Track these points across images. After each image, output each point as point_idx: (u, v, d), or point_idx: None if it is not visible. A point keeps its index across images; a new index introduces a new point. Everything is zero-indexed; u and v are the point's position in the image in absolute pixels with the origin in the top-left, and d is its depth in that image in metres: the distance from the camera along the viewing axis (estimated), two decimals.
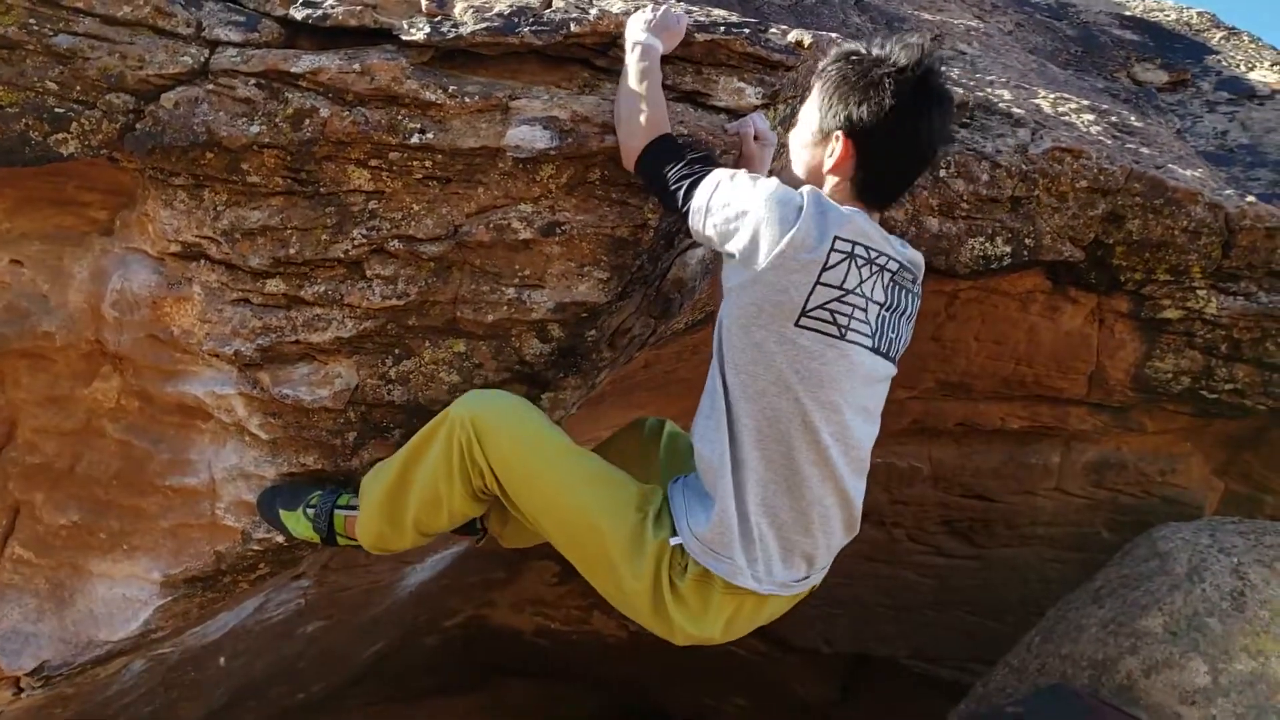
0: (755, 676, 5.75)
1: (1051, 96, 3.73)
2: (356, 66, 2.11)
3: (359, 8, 2.18)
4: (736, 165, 2.27)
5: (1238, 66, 4.95)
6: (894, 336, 2.00)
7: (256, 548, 2.49)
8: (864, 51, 1.97)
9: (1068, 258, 3.36)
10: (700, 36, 2.29)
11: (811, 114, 2.05)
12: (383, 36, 2.19)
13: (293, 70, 2.11)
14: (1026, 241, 3.33)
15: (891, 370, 2.05)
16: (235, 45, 2.15)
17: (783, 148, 2.50)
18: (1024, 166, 3.23)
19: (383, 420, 2.36)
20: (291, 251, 2.20)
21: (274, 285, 2.24)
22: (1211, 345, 3.63)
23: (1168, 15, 5.50)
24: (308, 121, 2.12)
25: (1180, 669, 3.08)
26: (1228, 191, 3.45)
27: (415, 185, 2.20)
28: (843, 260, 1.84)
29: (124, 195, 2.27)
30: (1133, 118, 3.90)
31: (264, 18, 2.19)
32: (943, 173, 3.16)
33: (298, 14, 2.17)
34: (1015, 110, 3.44)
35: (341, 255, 2.21)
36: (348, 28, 2.17)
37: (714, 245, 1.98)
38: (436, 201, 2.21)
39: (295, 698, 4.81)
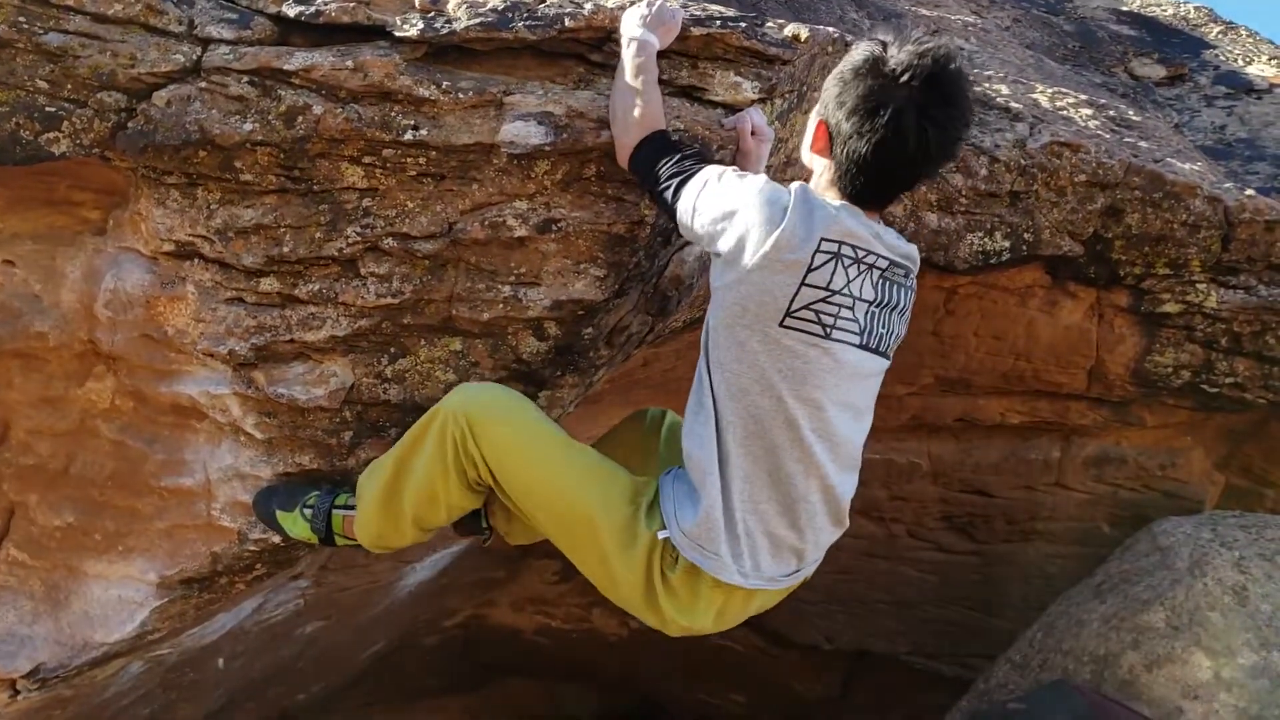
0: (755, 673, 5.74)
1: (1049, 91, 3.72)
2: (349, 63, 2.10)
3: (352, 4, 2.16)
4: (733, 160, 2.26)
5: (1235, 61, 4.94)
6: (885, 331, 1.98)
7: (253, 548, 2.48)
8: (878, 53, 1.86)
9: (1067, 252, 3.35)
10: (696, 31, 2.27)
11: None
12: (376, 33, 2.17)
13: (285, 67, 2.10)
14: (1025, 236, 3.32)
15: (883, 364, 2.03)
16: (228, 43, 2.13)
17: (780, 142, 2.49)
18: (1022, 161, 3.22)
19: (379, 419, 2.35)
20: (285, 250, 2.19)
21: (268, 284, 2.23)
22: (1211, 339, 3.61)
23: (1165, 10, 5.49)
24: (301, 119, 2.10)
25: (1182, 663, 3.08)
26: (1227, 185, 3.44)
27: (409, 182, 2.19)
28: (828, 261, 1.82)
29: (117, 194, 2.26)
30: (1131, 112, 3.89)
31: (257, 15, 2.17)
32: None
33: (290, 11, 2.16)
34: (1013, 105, 3.42)
35: (336, 253, 2.19)
36: (341, 24, 2.16)
37: (702, 244, 1.97)
38: (431, 199, 2.20)
39: (295, 698, 4.80)
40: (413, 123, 2.12)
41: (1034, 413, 4.08)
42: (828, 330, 1.85)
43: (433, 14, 2.17)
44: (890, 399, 4.05)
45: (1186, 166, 3.43)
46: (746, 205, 1.84)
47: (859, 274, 1.86)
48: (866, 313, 1.91)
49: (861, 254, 1.86)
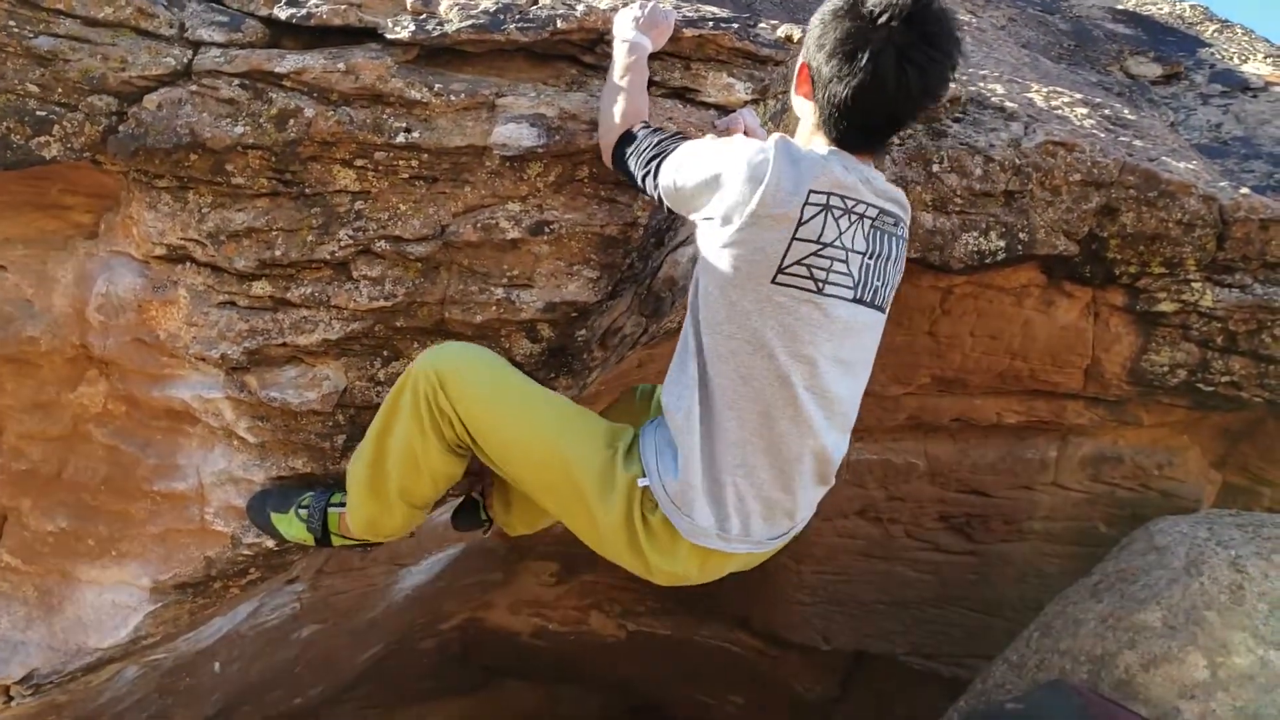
0: (753, 674, 5.73)
1: (1044, 90, 3.71)
2: (341, 65, 2.10)
3: (343, 6, 2.16)
4: None
5: (1231, 59, 4.94)
6: (880, 284, 1.95)
7: (247, 552, 2.48)
8: None
9: (1062, 252, 3.35)
10: (689, 32, 2.27)
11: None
12: (367, 35, 2.17)
13: (277, 70, 2.10)
14: (1020, 236, 3.32)
15: (878, 317, 1.99)
16: (219, 45, 2.13)
17: None
18: (1017, 160, 3.22)
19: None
20: (277, 253, 2.18)
21: (260, 287, 2.23)
22: (1207, 338, 3.61)
23: (1161, 9, 5.49)
24: (292, 122, 2.10)
25: (1179, 663, 3.07)
26: (1221, 183, 3.44)
27: (401, 185, 2.19)
28: (818, 213, 1.80)
29: (108, 198, 2.25)
30: (1126, 111, 3.88)
31: (248, 18, 2.17)
32: (935, 167, 3.14)
33: (281, 13, 2.15)
34: (1008, 104, 3.42)
35: (328, 256, 2.19)
36: (332, 27, 2.16)
37: (690, 215, 1.95)
38: (423, 201, 2.19)
39: (292, 702, 4.78)
40: (405, 125, 2.12)
41: (1031, 412, 4.08)
42: (820, 285, 1.83)
43: (424, 15, 2.16)
44: (887, 399, 4.04)
45: (1181, 165, 3.42)
46: (728, 166, 1.82)
47: (850, 225, 1.84)
48: (861, 265, 1.88)
49: (851, 204, 1.84)
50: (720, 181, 1.83)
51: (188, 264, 2.24)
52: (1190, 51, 5.00)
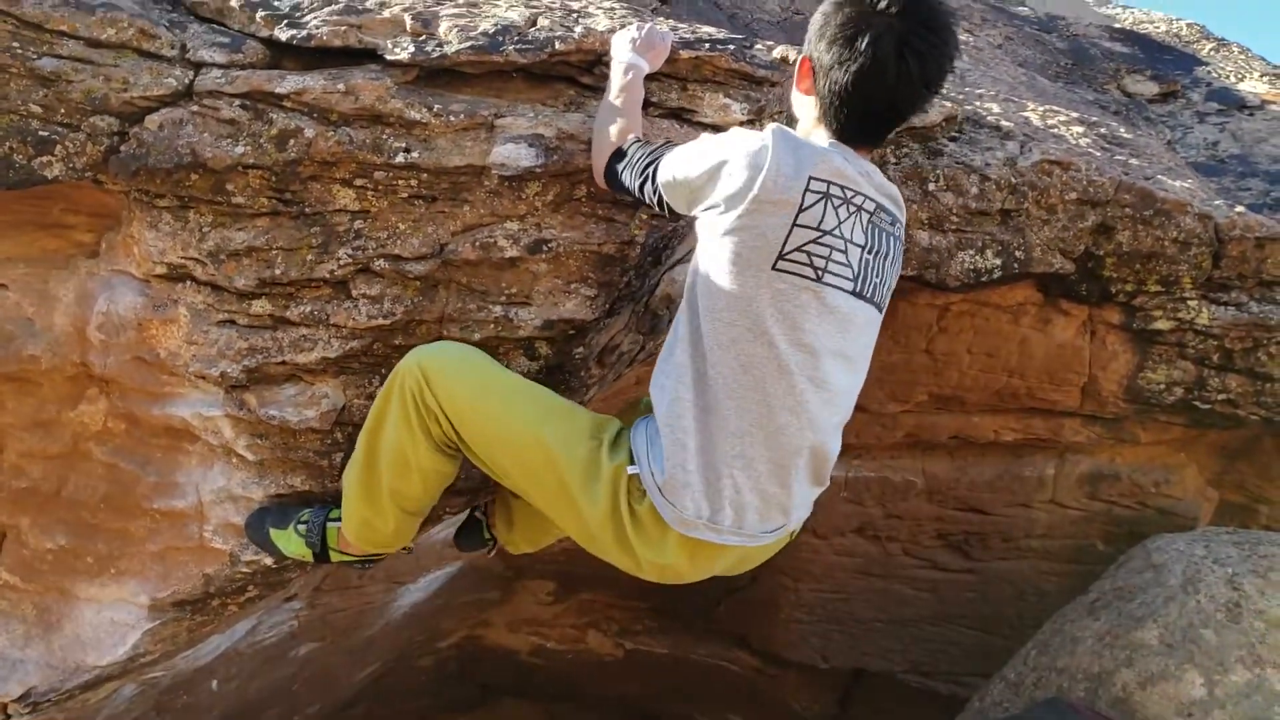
0: (751, 693, 5.72)
1: (1041, 109, 3.73)
2: (341, 86, 2.11)
3: (344, 28, 2.18)
4: None
5: (1228, 77, 4.97)
6: (878, 281, 1.96)
7: (245, 570, 2.48)
8: None
9: (1058, 270, 3.36)
10: (685, 54, 2.29)
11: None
12: (367, 56, 2.19)
13: (277, 91, 2.11)
14: (1016, 254, 3.33)
15: (875, 314, 2.00)
16: (220, 66, 2.15)
17: None
18: (1013, 179, 3.23)
19: None
20: (277, 272, 2.19)
21: (260, 306, 2.24)
22: (1203, 356, 3.62)
23: (1157, 27, 5.52)
24: (292, 142, 2.11)
25: (1176, 681, 3.07)
26: (1217, 202, 3.45)
27: (401, 204, 2.20)
28: (819, 200, 1.81)
29: (109, 217, 2.27)
30: (1122, 129, 3.90)
31: (248, 39, 2.19)
32: (932, 186, 3.16)
33: (282, 35, 2.17)
34: (1004, 123, 3.44)
35: (327, 275, 2.20)
36: (332, 48, 2.18)
37: (692, 210, 1.95)
38: (422, 220, 2.21)
39: None
40: (404, 145, 2.14)
41: (1028, 430, 4.08)
42: (819, 273, 1.83)
43: (423, 37, 2.18)
44: (885, 417, 4.05)
45: (1177, 184, 3.44)
46: (729, 154, 1.83)
47: (849, 215, 1.85)
48: (860, 259, 1.89)
49: (850, 194, 1.85)
50: (722, 169, 1.84)
51: (188, 283, 2.25)
52: (1187, 70, 5.03)
